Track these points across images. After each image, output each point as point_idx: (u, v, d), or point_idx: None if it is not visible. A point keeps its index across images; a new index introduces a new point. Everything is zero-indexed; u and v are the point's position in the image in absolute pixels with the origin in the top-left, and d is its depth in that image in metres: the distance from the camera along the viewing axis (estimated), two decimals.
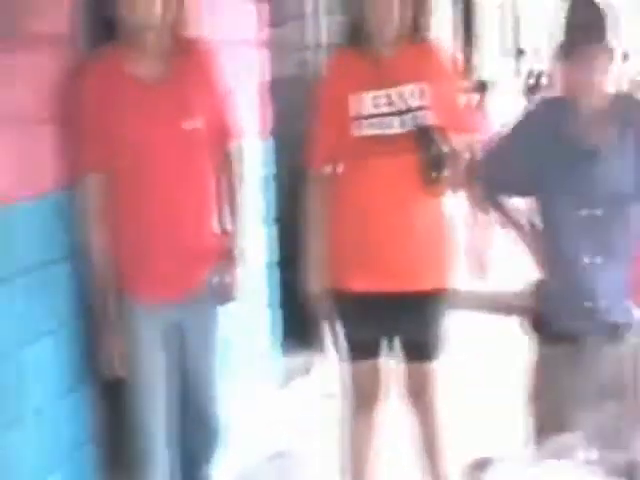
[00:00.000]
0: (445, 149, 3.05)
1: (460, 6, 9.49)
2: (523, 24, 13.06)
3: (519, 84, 11.24)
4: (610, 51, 2.62)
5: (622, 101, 2.70)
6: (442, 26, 9.01)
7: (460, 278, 3.29)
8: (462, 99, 3.30)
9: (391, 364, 3.21)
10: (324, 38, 5.18)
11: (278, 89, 4.50)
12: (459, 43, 9.68)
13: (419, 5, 3.11)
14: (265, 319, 4.31)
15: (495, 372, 4.81)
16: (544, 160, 2.68)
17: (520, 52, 11.97)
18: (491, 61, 11.07)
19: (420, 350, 3.15)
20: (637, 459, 2.27)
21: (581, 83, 2.62)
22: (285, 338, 4.56)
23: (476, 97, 9.19)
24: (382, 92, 3.06)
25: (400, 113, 3.04)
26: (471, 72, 10.19)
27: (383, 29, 3.06)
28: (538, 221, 2.78)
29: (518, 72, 11.58)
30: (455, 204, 3.26)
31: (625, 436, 2.32)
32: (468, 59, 10.09)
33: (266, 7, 4.35)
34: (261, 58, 4.29)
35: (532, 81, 10.46)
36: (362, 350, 3.15)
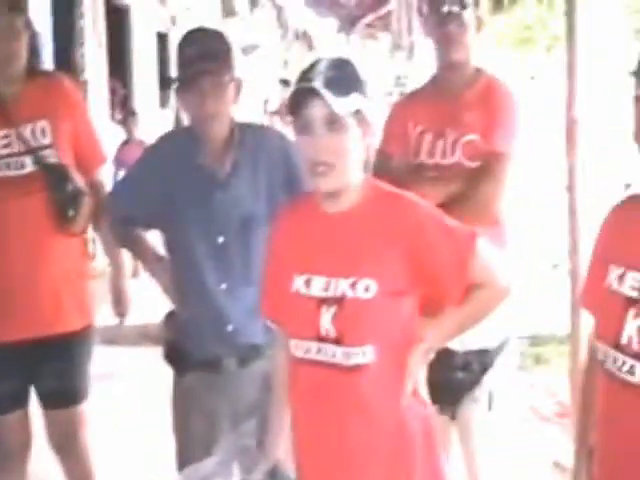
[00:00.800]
0: (78, 186, 3.01)
1: (108, 40, 9.42)
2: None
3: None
4: (235, 81, 2.68)
5: (247, 130, 2.76)
6: (95, 59, 8.94)
7: (106, 314, 3.27)
8: (94, 132, 3.26)
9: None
10: None
11: None
12: (108, 76, 9.60)
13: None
14: None
15: (146, 405, 4.81)
16: (172, 190, 2.70)
17: (169, 82, 12.04)
18: (144, 93, 11.07)
19: (64, 395, 3.07)
20: (276, 467, 2.34)
21: (205, 113, 2.64)
22: None
23: (128, 128, 9.12)
24: (7, 131, 2.96)
25: (28, 152, 2.96)
26: (125, 104, 10.16)
27: (4, 67, 2.96)
28: (169, 252, 2.79)
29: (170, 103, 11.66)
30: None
31: (265, 452, 2.38)
32: (118, 91, 10.02)
33: None
34: None
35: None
36: (5, 402, 3.02)
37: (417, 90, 3.17)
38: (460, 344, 2.73)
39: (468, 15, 2.88)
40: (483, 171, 2.82)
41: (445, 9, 2.87)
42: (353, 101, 2.03)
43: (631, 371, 1.80)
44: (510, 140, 2.88)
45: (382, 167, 2.88)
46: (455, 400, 2.85)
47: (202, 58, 2.60)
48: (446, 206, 2.53)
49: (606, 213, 2.01)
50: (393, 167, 2.92)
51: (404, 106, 3.08)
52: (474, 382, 2.82)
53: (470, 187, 2.80)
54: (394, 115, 3.06)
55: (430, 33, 3.03)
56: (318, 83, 2.00)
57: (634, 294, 1.82)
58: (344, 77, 2.04)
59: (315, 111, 2.02)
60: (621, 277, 1.87)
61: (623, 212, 1.99)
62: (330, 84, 2.00)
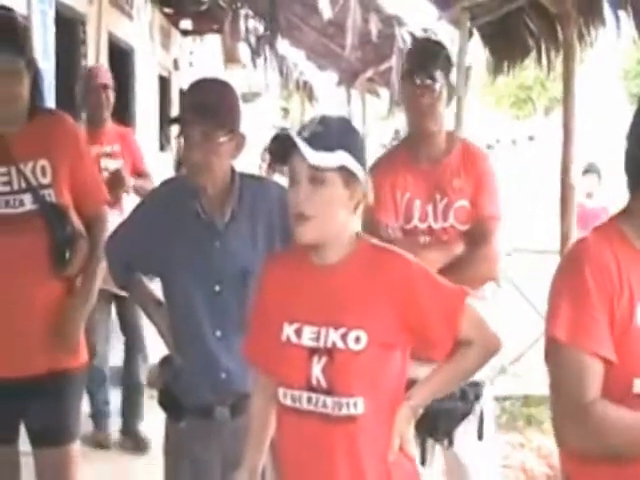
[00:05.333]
0: (76, 228, 3.01)
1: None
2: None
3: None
4: (235, 135, 2.65)
5: (246, 181, 2.76)
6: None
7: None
8: (95, 171, 3.30)
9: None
10: None
11: None
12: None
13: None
14: None
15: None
16: (170, 238, 2.70)
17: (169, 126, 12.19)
18: (144, 135, 11.14)
19: (55, 433, 3.05)
20: None
21: (191, 164, 2.63)
22: None
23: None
24: (7, 168, 2.94)
25: (27, 190, 2.94)
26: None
27: (6, 107, 2.94)
28: (166, 297, 2.80)
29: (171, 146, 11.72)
30: None
31: None
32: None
33: None
34: None
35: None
36: None
37: (391, 156, 3.19)
38: None
39: (439, 86, 2.99)
40: (482, 236, 2.99)
41: (418, 81, 2.99)
42: (337, 157, 2.03)
43: None
44: (498, 202, 3.05)
45: (373, 234, 2.91)
46: (453, 427, 2.99)
47: (194, 109, 2.60)
48: (447, 272, 2.62)
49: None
50: (384, 234, 2.96)
51: (385, 173, 3.03)
52: (470, 409, 2.99)
53: (472, 253, 2.97)
54: (378, 184, 2.79)
55: (403, 103, 3.15)
56: (304, 135, 2.02)
57: None
58: (331, 133, 2.05)
59: (298, 163, 2.05)
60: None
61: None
62: (314, 137, 2.02)
